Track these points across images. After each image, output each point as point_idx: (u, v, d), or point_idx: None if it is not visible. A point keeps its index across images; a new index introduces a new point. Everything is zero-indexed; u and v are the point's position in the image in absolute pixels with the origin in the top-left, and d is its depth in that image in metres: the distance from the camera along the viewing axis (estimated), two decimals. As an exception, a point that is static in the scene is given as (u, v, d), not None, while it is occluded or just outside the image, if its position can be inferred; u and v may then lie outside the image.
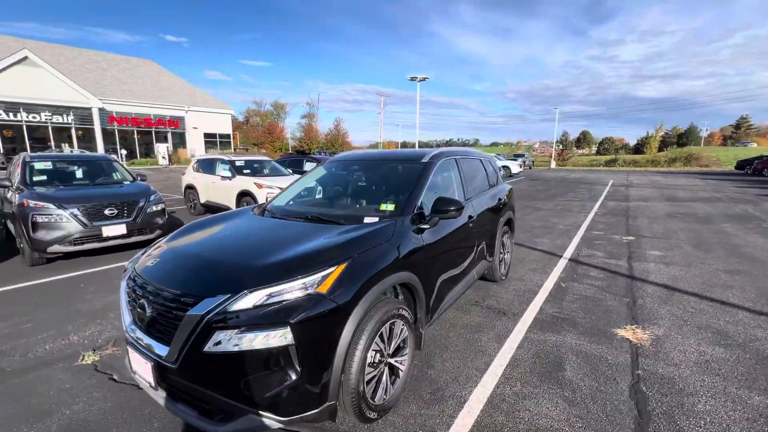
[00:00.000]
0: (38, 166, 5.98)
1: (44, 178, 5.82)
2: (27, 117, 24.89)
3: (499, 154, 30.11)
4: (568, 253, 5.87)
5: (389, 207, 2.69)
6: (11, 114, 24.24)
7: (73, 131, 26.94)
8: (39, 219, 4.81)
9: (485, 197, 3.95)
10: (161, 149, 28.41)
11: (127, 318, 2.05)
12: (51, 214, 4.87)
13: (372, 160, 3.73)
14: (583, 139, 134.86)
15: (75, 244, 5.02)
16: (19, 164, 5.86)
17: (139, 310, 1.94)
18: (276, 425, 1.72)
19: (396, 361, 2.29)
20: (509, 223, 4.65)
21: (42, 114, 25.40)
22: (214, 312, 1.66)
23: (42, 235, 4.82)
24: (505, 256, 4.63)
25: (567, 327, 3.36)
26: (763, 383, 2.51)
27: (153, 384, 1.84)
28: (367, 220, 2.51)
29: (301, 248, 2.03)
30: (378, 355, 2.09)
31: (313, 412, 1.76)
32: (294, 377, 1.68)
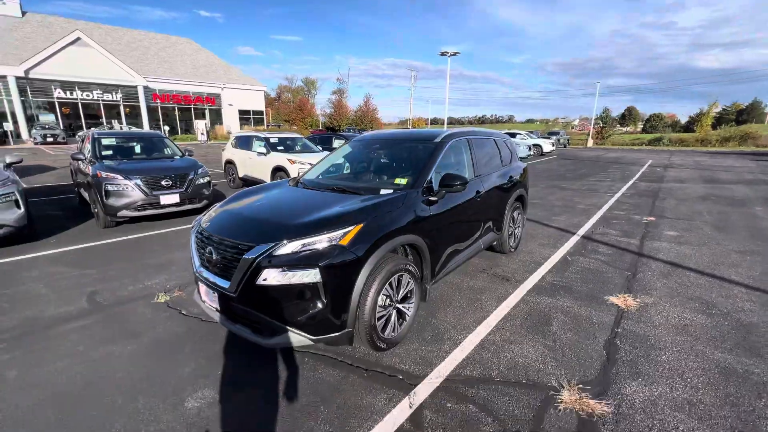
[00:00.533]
0: (105, 141, 6.87)
1: (110, 152, 6.71)
2: (81, 95, 26.93)
3: (531, 132, 29.18)
4: (583, 230, 6.09)
5: (402, 181, 3.15)
6: (68, 92, 26.30)
7: (121, 108, 28.87)
8: (110, 188, 5.67)
9: (495, 175, 4.29)
10: (200, 126, 29.90)
11: (196, 261, 2.68)
12: (119, 184, 5.71)
13: (391, 139, 4.16)
14: (628, 116, 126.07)
15: (138, 210, 5.87)
16: (89, 139, 6.76)
17: (207, 255, 2.56)
18: (307, 342, 2.29)
19: (403, 307, 2.80)
20: (520, 199, 4.95)
21: (94, 92, 27.36)
22: (263, 256, 2.22)
23: (113, 201, 5.68)
24: (516, 231, 4.97)
25: (563, 293, 3.74)
26: (730, 344, 2.82)
27: (218, 309, 2.47)
28: (383, 191, 2.99)
29: (328, 212, 2.55)
30: (387, 299, 2.61)
31: (335, 335, 2.32)
32: (321, 307, 2.23)
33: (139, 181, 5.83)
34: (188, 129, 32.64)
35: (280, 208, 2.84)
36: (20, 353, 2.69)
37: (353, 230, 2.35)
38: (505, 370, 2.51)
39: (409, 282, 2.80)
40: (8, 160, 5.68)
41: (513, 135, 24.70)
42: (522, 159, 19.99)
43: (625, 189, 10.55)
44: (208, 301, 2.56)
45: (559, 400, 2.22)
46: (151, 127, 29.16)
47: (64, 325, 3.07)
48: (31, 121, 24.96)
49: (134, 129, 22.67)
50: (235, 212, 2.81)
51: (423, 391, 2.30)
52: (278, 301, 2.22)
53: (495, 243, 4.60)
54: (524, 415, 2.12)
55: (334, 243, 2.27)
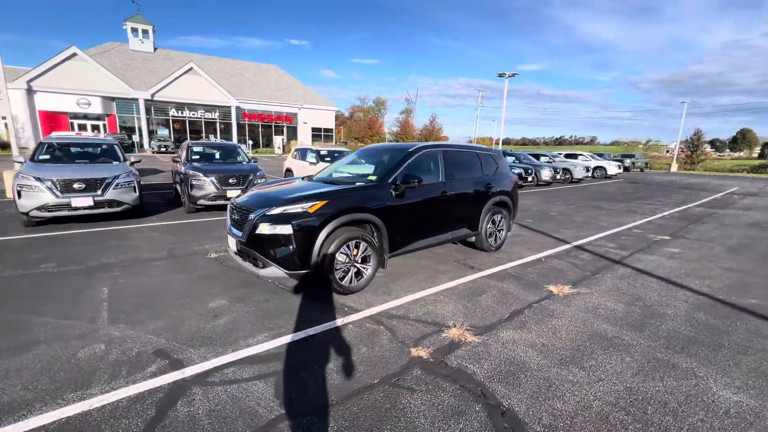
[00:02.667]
0: (195, 149, 9.09)
1: (197, 157, 8.88)
2: (189, 114, 32.61)
3: (600, 155, 27.65)
4: (581, 242, 6.47)
5: (373, 177, 4.28)
6: (179, 111, 32.10)
7: (217, 125, 34.17)
8: (194, 182, 7.65)
9: (471, 182, 5.15)
10: (277, 141, 34.05)
11: (228, 222, 4.10)
12: (200, 180, 7.67)
13: (380, 149, 5.30)
14: (741, 139, 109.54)
15: (211, 201, 7.77)
16: (185, 148, 9.02)
17: (233, 217, 3.95)
18: (283, 274, 3.50)
19: (362, 267, 3.88)
20: (503, 205, 5.67)
21: (198, 111, 32.93)
22: (260, 216, 3.51)
23: (195, 192, 7.65)
24: (498, 233, 5.69)
25: (512, 280, 4.45)
26: (623, 323, 3.37)
27: (235, 251, 3.82)
28: (357, 183, 4.14)
29: (308, 192, 3.78)
30: (346, 257, 3.71)
31: (301, 272, 3.50)
32: (291, 250, 3.43)
33: (213, 179, 7.74)
34: (268, 143, 37.18)
35: (282, 191, 4.14)
36: (127, 273, 4.33)
37: (319, 204, 3.54)
38: (421, 315, 3.44)
39: (366, 248, 3.87)
40: (132, 159, 8.01)
41: (574, 156, 23.93)
42: (574, 180, 19.46)
43: (669, 212, 10.14)
44: (231, 246, 3.93)
45: (446, 331, 3.10)
46: (239, 141, 34.06)
47: (152, 263, 4.71)
48: (151, 134, 30.97)
49: (218, 140, 26.84)
50: (255, 193, 4.20)
51: (355, 316, 3.35)
52: (267, 244, 3.48)
53: (474, 240, 5.41)
54: (414, 335, 3.05)
55: (304, 210, 3.48)
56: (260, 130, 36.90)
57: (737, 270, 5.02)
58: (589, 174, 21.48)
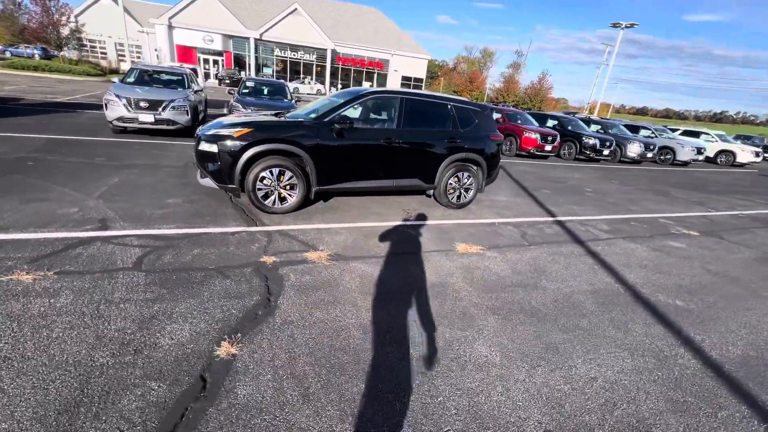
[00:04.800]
0: (248, 84, 10.32)
1: (247, 91, 10.11)
2: (290, 54, 35.06)
3: (745, 137, 21.89)
4: (571, 218, 5.93)
5: (313, 116, 4.66)
6: (282, 51, 34.70)
7: (314, 67, 36.16)
8: (235, 113, 8.89)
9: (429, 134, 5.12)
10: (365, 87, 34.75)
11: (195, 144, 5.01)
12: (240, 111, 8.86)
13: (347, 93, 5.46)
14: None
15: (247, 130, 8.98)
16: (241, 83, 10.30)
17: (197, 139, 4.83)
18: (215, 186, 4.29)
19: (286, 193, 4.46)
20: (473, 163, 5.49)
21: (299, 52, 35.13)
22: (201, 135, 4.28)
23: (234, 121, 8.93)
24: (465, 192, 5.60)
25: (435, 232, 4.56)
26: (479, 284, 3.38)
27: (194, 162, 4.74)
28: (297, 119, 4.60)
29: (242, 120, 4.38)
30: (268, 181, 4.32)
31: (228, 186, 4.24)
32: (218, 167, 4.17)
33: (250, 111, 8.86)
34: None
35: (232, 119, 4.80)
36: (141, 173, 5.66)
37: (244, 131, 4.14)
38: (308, 238, 3.94)
39: (292, 177, 4.41)
40: (195, 88, 9.55)
41: (695, 135, 19.52)
42: (678, 162, 16.40)
43: (755, 212, 8.17)
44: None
45: (309, 252, 3.58)
46: (332, 85, 35.84)
47: (164, 169, 6.00)
48: (258, 71, 34.44)
49: (273, 78, 28.68)
50: (214, 121, 4.97)
51: (257, 228, 4.02)
52: (203, 159, 4.27)
53: (433, 194, 5.49)
54: (281, 248, 3.60)
55: (230, 134, 4.13)
56: (352, 74, 37.89)
57: (721, 276, 4.22)
58: (701, 157, 17.47)
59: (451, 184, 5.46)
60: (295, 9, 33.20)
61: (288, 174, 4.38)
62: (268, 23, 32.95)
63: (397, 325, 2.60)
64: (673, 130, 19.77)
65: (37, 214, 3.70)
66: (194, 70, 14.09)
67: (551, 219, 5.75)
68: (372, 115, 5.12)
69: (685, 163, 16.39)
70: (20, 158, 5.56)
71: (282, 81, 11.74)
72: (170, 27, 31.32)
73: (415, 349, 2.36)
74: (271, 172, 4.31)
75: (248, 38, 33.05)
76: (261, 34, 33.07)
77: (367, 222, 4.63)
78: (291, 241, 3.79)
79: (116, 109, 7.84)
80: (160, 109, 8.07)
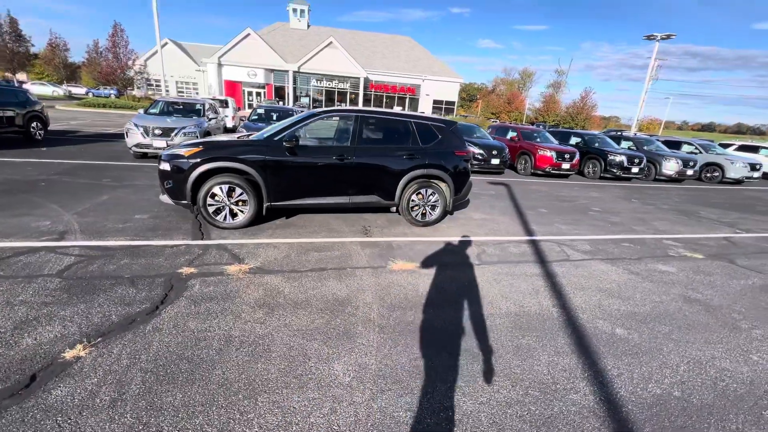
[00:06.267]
0: (258, 111, 11.05)
1: (256, 117, 10.80)
2: (326, 84, 37.04)
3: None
4: (552, 238, 5.50)
5: (267, 134, 4.84)
6: (318, 81, 36.79)
7: (347, 94, 37.82)
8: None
9: (387, 150, 5.10)
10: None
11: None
12: (243, 134, 9.46)
13: (308, 113, 5.63)
14: None
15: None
16: (253, 109, 11.06)
17: (168, 157, 5.22)
18: (171, 202, 4.57)
19: (237, 209, 4.64)
20: (437, 180, 5.34)
21: (333, 81, 37.01)
22: (162, 155, 4.62)
23: (239, 145, 9.54)
24: (431, 210, 5.44)
25: (381, 249, 4.45)
26: (383, 302, 3.21)
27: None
28: (251, 137, 4.82)
29: (197, 141, 4.67)
30: (219, 197, 4.53)
31: (182, 202, 4.50)
32: (171, 185, 4.45)
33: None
34: (390, 114, 39.10)
35: (190, 142, 5.10)
36: (131, 190, 6.19)
37: (194, 150, 4.41)
38: (243, 252, 4.02)
39: (242, 194, 4.58)
40: (210, 116, 10.40)
41: (753, 149, 17.43)
42: (727, 180, 14.75)
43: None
44: (164, 178, 5.25)
45: (231, 265, 3.65)
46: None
47: (154, 188, 6.51)
48: (295, 101, 36.73)
49: (280, 104, 30.05)
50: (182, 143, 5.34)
51: (202, 241, 4.19)
52: (161, 176, 4.58)
53: (394, 210, 5.39)
54: (210, 261, 3.71)
55: (181, 154, 4.42)
56: (384, 100, 39.03)
57: (697, 304, 3.62)
58: (757, 174, 15.40)
59: (413, 200, 5.34)
60: (331, 42, 35.31)
61: (238, 191, 4.57)
62: (306, 56, 35.29)
63: (265, 337, 2.55)
64: (725, 146, 17.83)
65: (13, 226, 4.18)
66: (225, 101, 15.38)
67: (526, 238, 5.36)
68: (326, 133, 5.23)
69: (736, 181, 14.62)
70: (38, 179, 6.35)
71: (290, 107, 12.44)
72: (220, 65, 34.65)
73: (264, 363, 2.29)
74: (221, 189, 4.52)
75: (287, 71, 35.55)
76: (299, 67, 35.44)
77: (314, 238, 4.64)
78: (222, 255, 3.90)
79: (134, 137, 8.73)
80: (173, 135, 8.85)
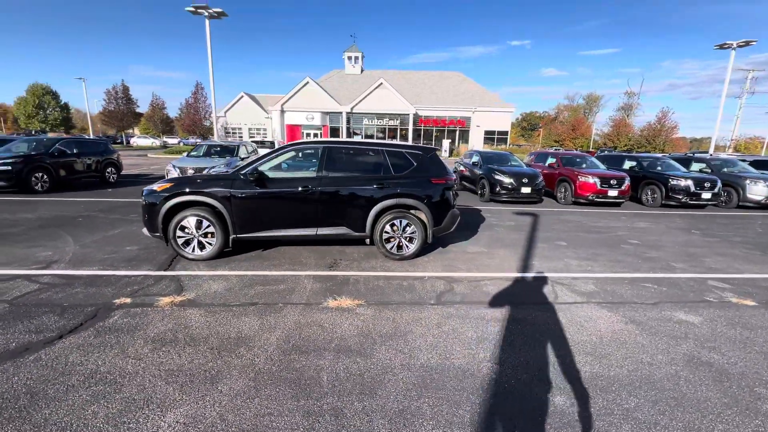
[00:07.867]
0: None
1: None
2: (377, 122, 38.68)
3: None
4: (553, 275, 4.70)
5: (233, 169, 4.99)
6: (370, 120, 38.57)
7: (398, 130, 38.91)
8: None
9: (355, 180, 4.92)
10: (445, 144, 35.49)
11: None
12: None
13: (281, 146, 5.70)
14: None
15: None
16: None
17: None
18: (149, 235, 4.85)
19: (206, 241, 4.76)
20: (411, 210, 4.98)
21: (384, 119, 38.52)
22: (143, 189, 4.98)
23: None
24: (408, 242, 5.05)
25: (331, 282, 4.16)
26: (300, 339, 2.88)
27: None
28: (219, 173, 5.00)
29: (170, 178, 4.95)
30: (188, 230, 4.70)
31: (155, 234, 4.75)
32: (146, 219, 4.74)
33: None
34: (437, 147, 39.18)
35: (167, 178, 5.42)
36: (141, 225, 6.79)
37: (166, 185, 4.69)
38: (191, 284, 4.04)
39: (209, 226, 4.71)
40: (242, 155, 11.28)
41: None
42: (751, 202, 12.35)
43: None
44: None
45: (169, 297, 3.66)
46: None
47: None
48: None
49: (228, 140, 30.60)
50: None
51: (163, 272, 4.33)
52: (142, 211, 4.91)
53: (368, 241, 5.10)
54: (153, 292, 3.77)
55: (155, 189, 4.71)
56: (434, 134, 39.34)
57: (706, 366, 2.67)
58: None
59: (387, 232, 5.01)
60: (381, 83, 37.19)
61: (205, 223, 4.70)
62: (358, 98, 37.49)
63: (127, 376, 2.40)
64: None
65: (18, 255, 4.75)
66: (272, 143, 16.76)
67: (514, 275, 4.65)
68: (291, 166, 5.24)
69: (754, 203, 11.50)
70: (80, 215, 7.30)
71: (238, 142, 12.97)
72: (282, 111, 38.32)
73: (98, 406, 2.13)
74: (189, 222, 4.69)
75: (341, 112, 37.97)
76: (352, 108, 37.67)
77: (271, 271, 4.52)
78: (169, 286, 3.95)
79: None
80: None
